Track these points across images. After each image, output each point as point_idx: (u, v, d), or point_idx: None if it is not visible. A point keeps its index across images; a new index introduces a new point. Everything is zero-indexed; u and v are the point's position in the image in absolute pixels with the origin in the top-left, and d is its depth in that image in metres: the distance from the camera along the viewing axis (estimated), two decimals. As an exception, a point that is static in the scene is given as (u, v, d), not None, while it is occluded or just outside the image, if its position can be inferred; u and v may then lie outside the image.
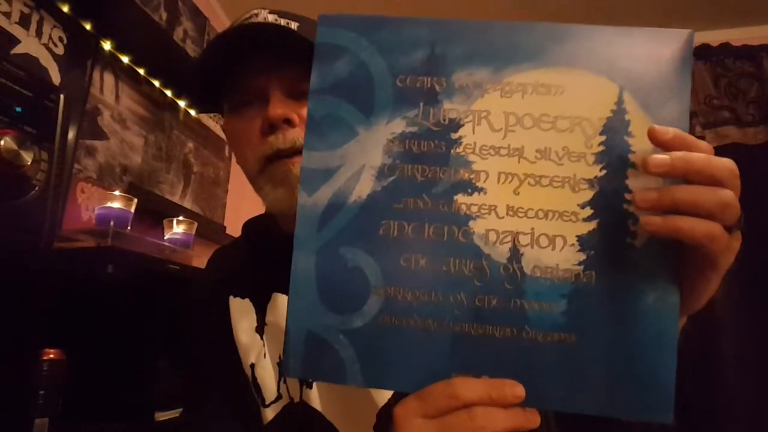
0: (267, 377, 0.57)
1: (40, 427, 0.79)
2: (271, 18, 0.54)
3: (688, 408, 1.54)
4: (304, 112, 0.53)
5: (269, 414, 0.56)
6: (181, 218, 1.51)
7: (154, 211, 1.52)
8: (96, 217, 1.19)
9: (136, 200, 1.24)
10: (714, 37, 1.97)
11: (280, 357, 0.56)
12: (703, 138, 1.79)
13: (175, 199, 1.80)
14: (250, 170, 0.57)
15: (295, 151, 0.53)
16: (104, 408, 0.93)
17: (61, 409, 0.82)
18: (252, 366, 0.58)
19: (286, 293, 0.56)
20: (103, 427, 0.93)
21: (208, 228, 1.86)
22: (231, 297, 0.61)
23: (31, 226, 0.94)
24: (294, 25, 0.53)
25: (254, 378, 0.57)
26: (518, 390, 0.32)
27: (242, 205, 2.30)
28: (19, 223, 0.90)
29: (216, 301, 0.62)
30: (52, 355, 0.82)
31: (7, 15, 1.07)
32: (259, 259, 0.62)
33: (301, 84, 0.54)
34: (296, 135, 0.53)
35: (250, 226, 0.68)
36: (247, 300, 0.60)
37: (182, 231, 1.48)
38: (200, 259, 1.90)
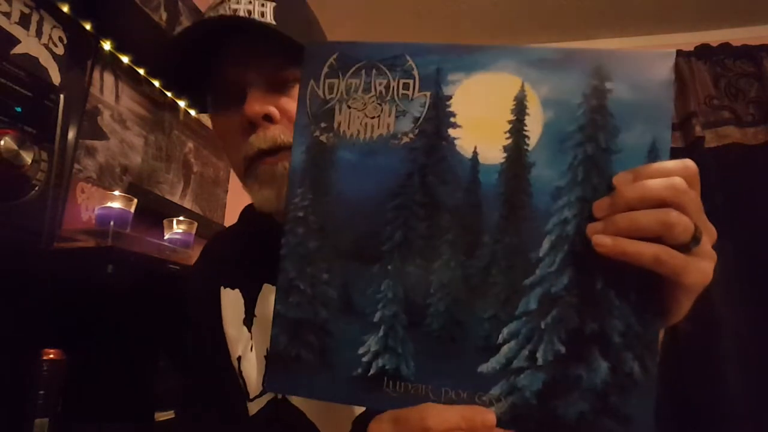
0: (252, 371, 0.56)
1: (40, 427, 0.79)
2: (243, 2, 0.51)
3: (691, 408, 1.53)
4: (285, 104, 0.51)
5: (253, 408, 0.55)
6: (181, 218, 1.50)
7: (154, 211, 1.52)
8: (96, 217, 1.19)
9: (136, 200, 1.24)
10: (714, 37, 1.96)
11: (267, 351, 0.54)
12: (702, 138, 1.79)
13: (175, 199, 1.80)
14: (236, 171, 0.56)
15: (278, 149, 0.51)
16: (104, 408, 0.93)
17: (61, 409, 0.82)
18: (239, 359, 0.56)
19: (275, 284, 0.54)
20: (103, 427, 0.93)
21: (208, 228, 1.85)
22: (222, 288, 0.60)
23: (31, 226, 0.94)
24: (270, 7, 0.51)
25: (240, 371, 0.56)
26: (489, 417, 0.33)
27: (242, 205, 2.29)
28: (19, 223, 0.90)
29: (208, 293, 0.61)
30: (52, 355, 0.82)
31: (7, 15, 1.07)
32: (252, 248, 0.61)
33: (279, 73, 0.51)
34: (277, 132, 0.51)
35: (247, 213, 0.68)
36: (237, 291, 0.59)
37: (182, 231, 1.48)
38: (200, 259, 1.91)
